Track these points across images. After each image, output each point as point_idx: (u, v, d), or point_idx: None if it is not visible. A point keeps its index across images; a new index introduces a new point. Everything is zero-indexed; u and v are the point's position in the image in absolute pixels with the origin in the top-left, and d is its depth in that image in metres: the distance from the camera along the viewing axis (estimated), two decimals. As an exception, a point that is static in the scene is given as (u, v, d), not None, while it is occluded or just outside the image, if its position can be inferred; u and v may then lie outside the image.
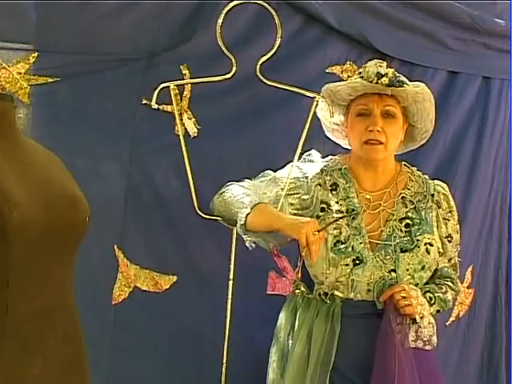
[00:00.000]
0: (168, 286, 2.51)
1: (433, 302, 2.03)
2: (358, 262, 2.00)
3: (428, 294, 2.03)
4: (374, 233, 2.05)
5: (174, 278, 2.51)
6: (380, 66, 2.03)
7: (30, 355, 1.38)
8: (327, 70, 2.67)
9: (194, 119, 2.51)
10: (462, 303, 3.10)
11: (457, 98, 3.01)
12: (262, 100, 2.58)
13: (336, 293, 2.01)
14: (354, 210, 2.05)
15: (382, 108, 2.05)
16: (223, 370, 2.12)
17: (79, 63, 2.33)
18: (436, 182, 2.17)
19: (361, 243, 2.02)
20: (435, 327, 2.01)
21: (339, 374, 1.98)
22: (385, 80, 2.01)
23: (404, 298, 1.95)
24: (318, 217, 2.07)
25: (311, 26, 2.67)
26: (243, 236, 2.04)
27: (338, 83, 2.11)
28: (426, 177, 2.18)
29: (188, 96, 2.49)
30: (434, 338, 2.02)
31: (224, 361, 2.12)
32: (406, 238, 2.04)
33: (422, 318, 1.97)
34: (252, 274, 2.51)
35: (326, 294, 2.02)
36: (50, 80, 2.29)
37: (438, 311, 2.08)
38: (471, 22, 2.93)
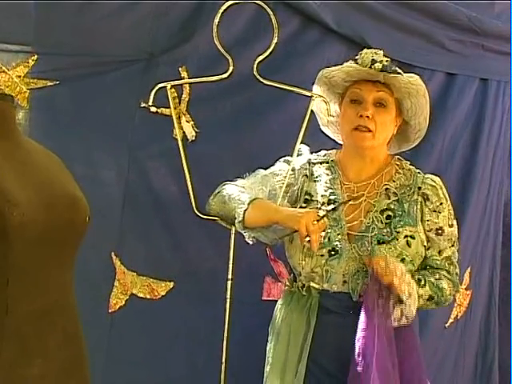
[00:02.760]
0: (164, 293, 2.50)
1: (423, 283, 1.98)
2: (333, 252, 2.00)
3: (417, 276, 1.99)
4: (354, 223, 2.04)
5: (171, 285, 2.51)
6: (376, 54, 2.04)
7: (30, 355, 1.39)
8: (325, 72, 2.68)
9: (192, 122, 2.51)
10: (461, 305, 3.11)
11: (454, 99, 3.02)
12: (259, 101, 2.57)
13: (312, 284, 2.01)
14: (335, 202, 2.05)
15: (374, 96, 2.04)
16: (223, 368, 2.11)
17: (78, 66, 2.32)
18: (427, 175, 2.13)
19: (338, 234, 2.01)
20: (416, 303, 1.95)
21: (319, 368, 1.99)
22: (378, 65, 2.01)
23: (382, 268, 1.89)
24: (301, 208, 2.07)
25: (309, 28, 2.67)
26: (242, 232, 2.03)
27: (333, 68, 2.10)
28: (418, 171, 2.14)
29: (186, 99, 2.49)
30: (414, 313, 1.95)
31: (223, 360, 2.11)
32: (385, 230, 2.01)
33: (409, 296, 1.91)
34: (248, 279, 2.51)
35: (303, 285, 2.03)
36: (49, 83, 2.29)
37: (431, 298, 2.01)
38: (469, 23, 2.95)
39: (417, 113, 2.11)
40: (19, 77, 2.21)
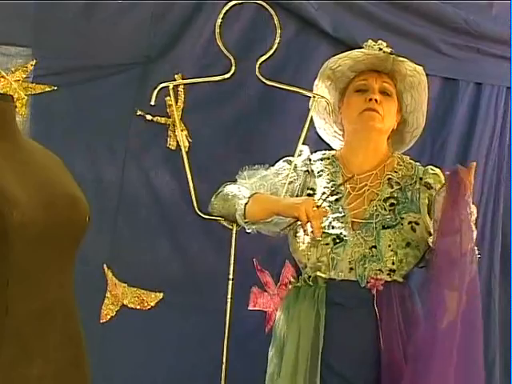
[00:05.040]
0: (154, 304, 2.51)
1: None
2: (338, 240, 2.01)
3: None
4: (357, 211, 2.05)
5: (161, 295, 2.52)
6: (381, 44, 2.10)
7: (30, 356, 1.38)
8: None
9: (186, 132, 2.52)
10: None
11: (448, 103, 3.03)
12: (259, 103, 2.60)
13: (318, 274, 2.01)
14: (338, 193, 2.06)
15: (380, 84, 2.09)
16: (223, 368, 2.10)
17: (76, 69, 2.34)
18: (428, 166, 2.15)
19: (342, 222, 2.02)
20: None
21: (329, 368, 1.96)
22: (386, 49, 2.08)
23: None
24: None
25: (306, 32, 2.70)
26: (243, 225, 2.03)
27: (339, 55, 2.14)
28: (418, 163, 2.17)
29: (181, 107, 2.50)
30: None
31: (224, 360, 2.11)
32: (388, 216, 2.03)
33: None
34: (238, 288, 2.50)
35: (310, 276, 2.03)
36: (47, 89, 2.29)
37: None
38: (465, 27, 2.95)
39: (416, 108, 2.16)
40: (17, 81, 2.21)
